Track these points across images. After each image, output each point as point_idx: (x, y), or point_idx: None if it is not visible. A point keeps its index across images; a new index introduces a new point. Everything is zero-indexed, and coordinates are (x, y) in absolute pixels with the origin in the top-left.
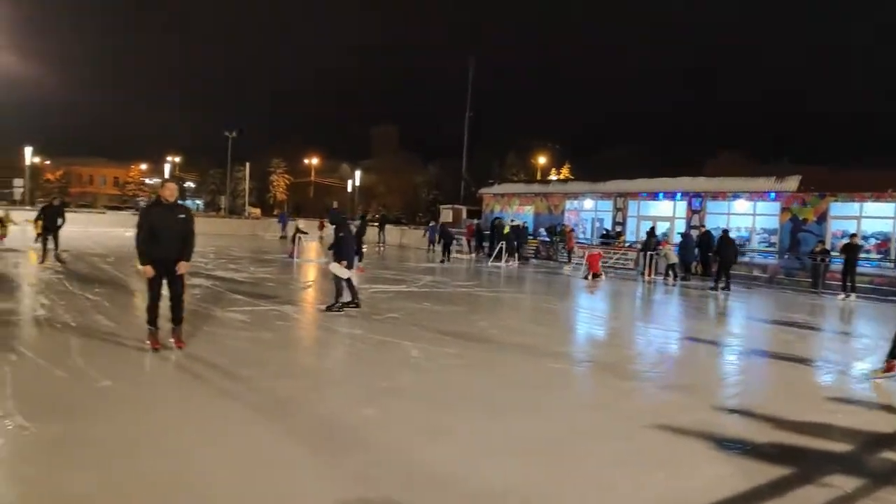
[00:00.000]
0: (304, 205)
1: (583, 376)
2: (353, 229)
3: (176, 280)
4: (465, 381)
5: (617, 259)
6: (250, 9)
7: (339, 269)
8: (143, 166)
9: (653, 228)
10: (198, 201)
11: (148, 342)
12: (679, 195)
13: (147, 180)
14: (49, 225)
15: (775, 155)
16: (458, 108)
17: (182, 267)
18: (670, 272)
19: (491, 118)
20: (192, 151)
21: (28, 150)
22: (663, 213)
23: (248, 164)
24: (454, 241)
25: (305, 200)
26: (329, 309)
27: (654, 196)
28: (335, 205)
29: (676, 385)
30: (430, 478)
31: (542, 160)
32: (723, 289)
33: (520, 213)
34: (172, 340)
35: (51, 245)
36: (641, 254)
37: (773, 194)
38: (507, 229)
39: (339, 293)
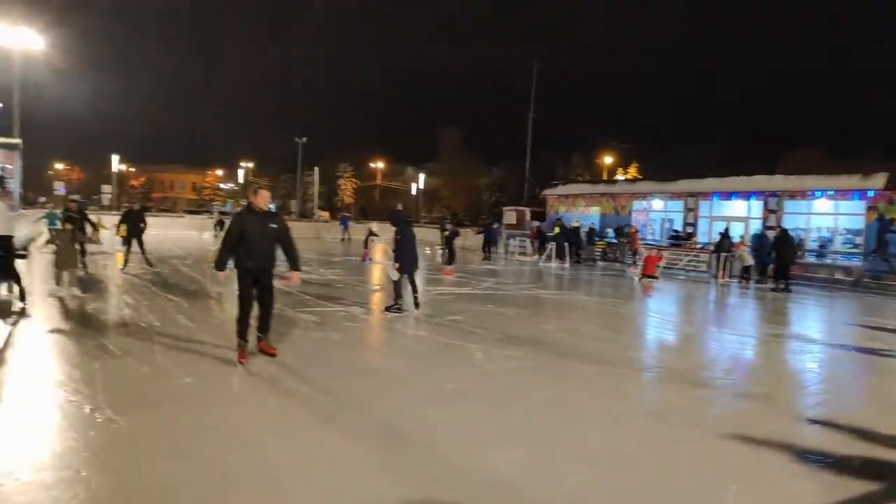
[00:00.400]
0: (369, 208)
1: (653, 383)
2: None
3: (267, 291)
4: (530, 386)
5: (688, 261)
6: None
7: (391, 271)
8: (219, 172)
9: (727, 229)
10: (271, 205)
11: (235, 354)
12: (754, 195)
13: (222, 185)
14: (131, 229)
15: (855, 152)
16: (523, 108)
17: (295, 277)
18: (745, 275)
19: (556, 118)
20: (263, 157)
21: (115, 159)
22: (737, 213)
23: (316, 169)
24: (507, 242)
25: (371, 203)
26: (388, 310)
27: (727, 196)
28: (399, 207)
29: (752, 393)
30: (493, 482)
31: (608, 160)
32: (782, 290)
33: (585, 215)
34: (260, 348)
35: (135, 248)
36: (714, 256)
37: (857, 193)
38: (556, 230)
39: (397, 295)
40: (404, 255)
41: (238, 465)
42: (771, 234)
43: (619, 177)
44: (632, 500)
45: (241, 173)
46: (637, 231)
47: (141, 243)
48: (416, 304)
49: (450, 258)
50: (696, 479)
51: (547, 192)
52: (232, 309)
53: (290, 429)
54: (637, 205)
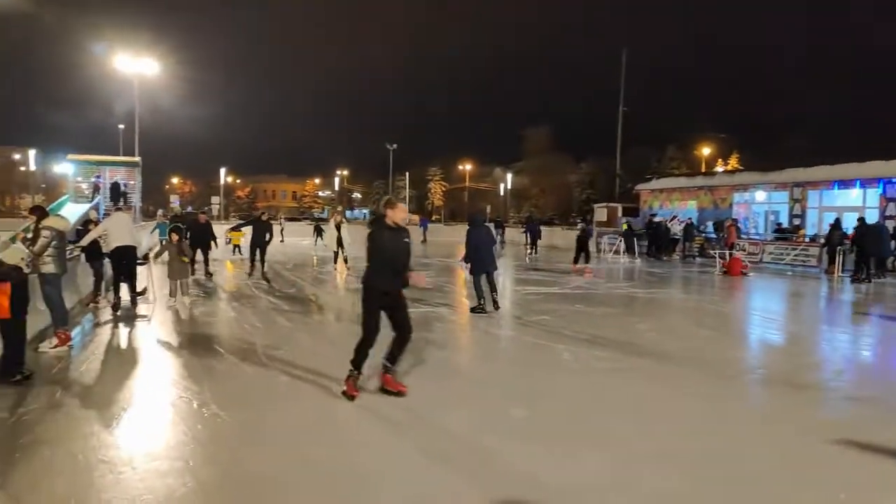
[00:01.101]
0: (458, 210)
1: (754, 385)
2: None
3: (405, 313)
4: (620, 387)
5: (795, 255)
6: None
7: (466, 272)
8: (317, 180)
9: (837, 220)
10: (364, 210)
11: (345, 387)
12: (868, 182)
13: (320, 193)
14: (257, 240)
15: None
16: (613, 101)
17: (421, 277)
18: (861, 269)
19: (649, 111)
20: (358, 164)
21: (223, 171)
22: (851, 202)
23: (407, 174)
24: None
25: (460, 206)
26: (473, 311)
27: (839, 185)
28: (486, 208)
29: (863, 397)
30: (582, 484)
31: (706, 151)
32: (863, 280)
33: (681, 209)
34: (384, 382)
35: (258, 256)
36: (824, 249)
37: None
38: (624, 226)
39: (478, 295)
40: (474, 256)
41: (334, 461)
42: (890, 225)
43: (719, 168)
44: None
45: (336, 181)
46: (734, 224)
47: (264, 254)
48: (495, 305)
49: (586, 258)
50: (799, 486)
51: (640, 187)
52: (329, 312)
53: (382, 427)
54: (738, 197)
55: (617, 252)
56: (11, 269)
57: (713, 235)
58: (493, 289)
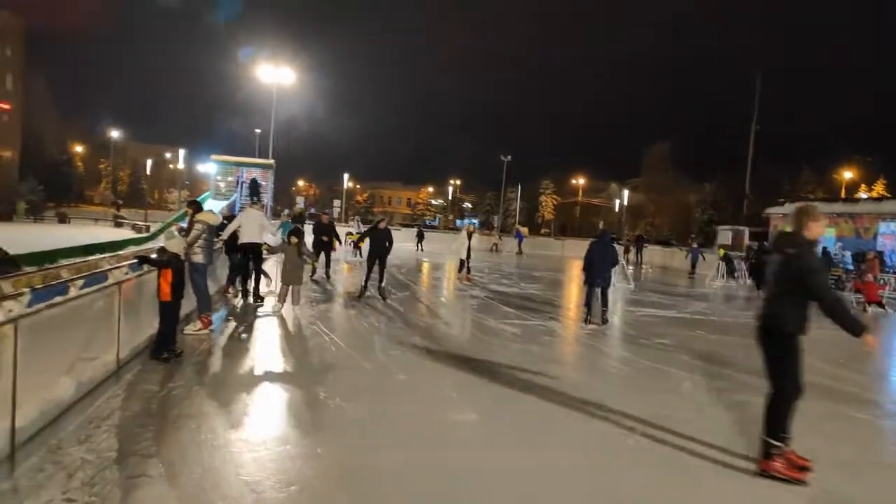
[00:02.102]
0: (569, 224)
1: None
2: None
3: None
4: (745, 420)
5: None
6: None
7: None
8: (430, 189)
9: None
10: (474, 220)
11: (777, 468)
12: None
13: (433, 201)
14: (376, 251)
15: None
16: (741, 119)
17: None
18: None
19: (783, 126)
20: (471, 174)
21: (345, 177)
22: None
23: (519, 186)
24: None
25: (571, 220)
26: (584, 322)
27: None
28: (601, 225)
29: None
30: None
31: (847, 175)
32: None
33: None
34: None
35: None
36: None
37: None
38: (721, 251)
39: (586, 304)
40: (588, 270)
41: (446, 461)
42: None
43: (862, 195)
44: None
45: (450, 190)
46: (878, 256)
47: (382, 267)
48: (604, 320)
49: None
50: None
51: (770, 210)
52: (441, 317)
53: (500, 435)
54: (884, 227)
55: (722, 277)
56: (173, 256)
57: (851, 267)
58: (604, 303)
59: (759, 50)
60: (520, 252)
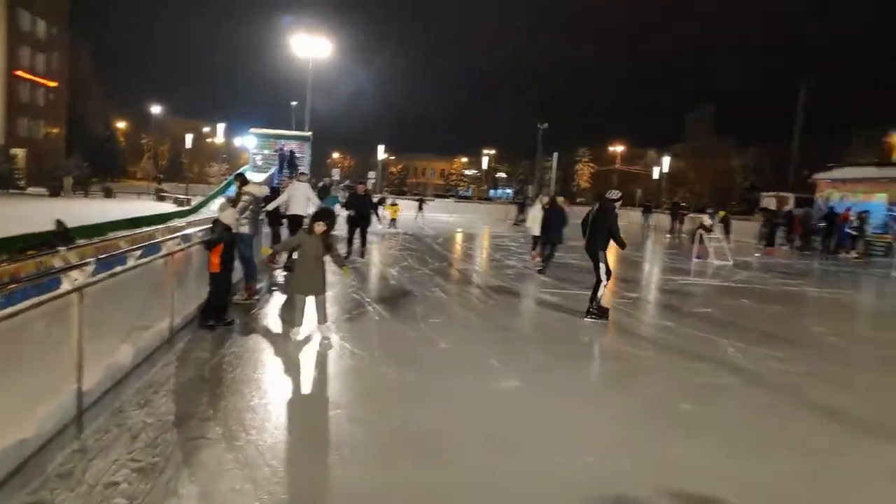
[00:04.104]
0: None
1: None
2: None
3: None
4: (796, 390)
5: None
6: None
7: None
8: (464, 159)
9: None
10: (508, 190)
11: None
12: None
13: (466, 171)
14: (355, 218)
15: None
16: (785, 80)
17: None
18: None
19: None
20: (505, 144)
21: (381, 148)
22: None
23: (555, 155)
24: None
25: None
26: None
27: None
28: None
29: None
30: (763, 490)
31: None
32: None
33: (868, 202)
34: None
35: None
36: None
37: None
38: (721, 214)
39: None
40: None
41: (494, 427)
42: None
43: None
44: None
45: (484, 160)
46: None
47: (364, 231)
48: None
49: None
50: None
51: (819, 175)
52: (475, 280)
53: (540, 402)
54: None
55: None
56: (224, 228)
57: None
58: (551, 256)
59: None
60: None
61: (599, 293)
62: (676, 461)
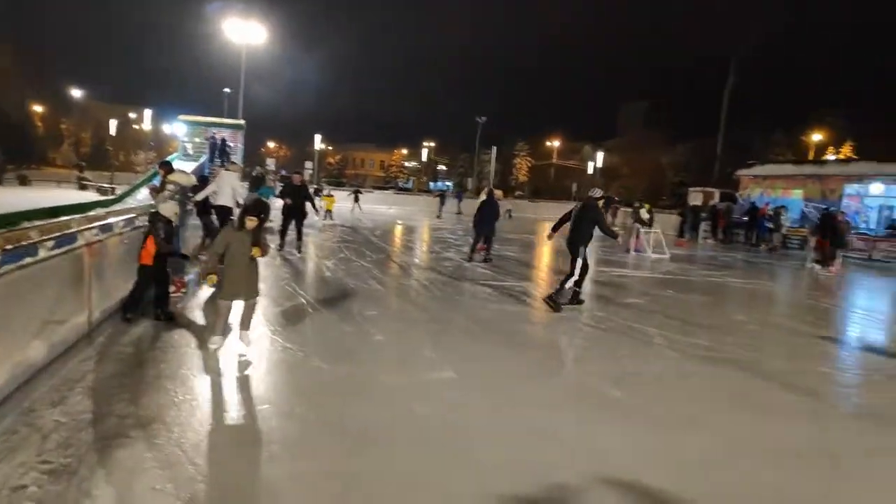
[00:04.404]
0: (543, 187)
1: (859, 384)
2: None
3: None
4: (717, 375)
5: None
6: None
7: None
8: (404, 151)
9: None
10: (447, 183)
11: None
12: None
13: (406, 163)
14: (291, 210)
15: None
16: (716, 78)
17: None
18: None
19: (757, 88)
20: (445, 136)
21: (318, 138)
22: None
23: (494, 149)
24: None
25: (545, 183)
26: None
27: None
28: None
29: None
30: (677, 465)
31: (816, 137)
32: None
33: (785, 198)
34: None
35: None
36: None
37: None
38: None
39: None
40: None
41: (427, 418)
42: None
43: (830, 156)
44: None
45: (424, 153)
46: (843, 217)
47: (299, 223)
48: (487, 258)
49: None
50: None
51: (741, 172)
52: (413, 273)
53: (474, 392)
54: (849, 188)
55: (707, 238)
56: (166, 220)
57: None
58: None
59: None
60: (459, 212)
61: (567, 284)
62: (602, 447)
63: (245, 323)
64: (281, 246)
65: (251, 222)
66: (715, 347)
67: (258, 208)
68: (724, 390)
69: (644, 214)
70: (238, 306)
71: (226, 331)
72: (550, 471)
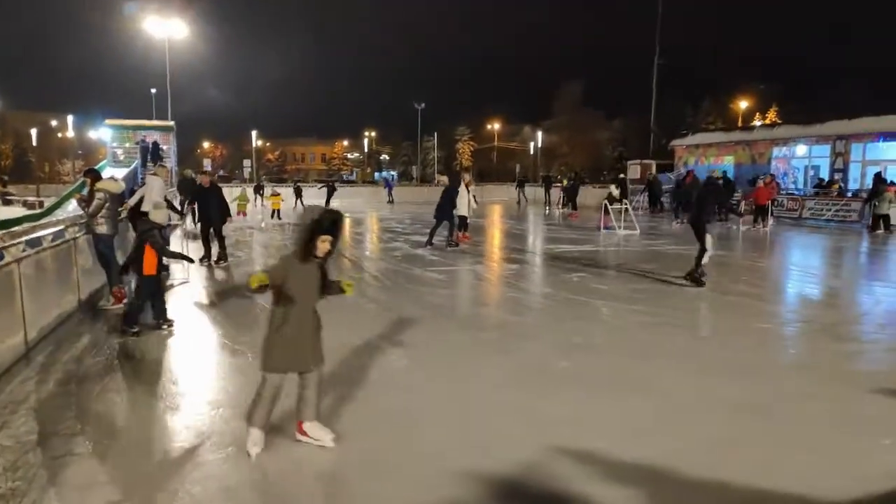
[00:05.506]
0: (487, 170)
1: (794, 337)
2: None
3: None
4: (660, 340)
5: (836, 211)
6: None
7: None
8: (346, 142)
9: (879, 174)
10: (392, 172)
11: None
12: None
13: (348, 155)
14: (205, 215)
15: None
16: (648, 54)
17: None
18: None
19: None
20: (385, 125)
21: (254, 134)
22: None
23: (435, 134)
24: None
25: (489, 166)
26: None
27: (884, 137)
28: (517, 169)
29: None
30: (626, 428)
31: (743, 105)
32: None
33: (718, 164)
34: None
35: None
36: (867, 204)
37: None
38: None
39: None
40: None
41: (385, 404)
42: None
43: (757, 122)
44: (773, 451)
45: (365, 142)
46: (773, 180)
47: (218, 229)
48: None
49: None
50: (841, 431)
51: (675, 142)
52: (363, 265)
53: (432, 374)
54: (777, 151)
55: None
56: (159, 227)
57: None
58: (451, 233)
59: None
60: (391, 201)
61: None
62: (553, 416)
63: (315, 409)
64: (205, 257)
65: (324, 244)
66: (659, 312)
67: (335, 222)
68: (662, 353)
69: (614, 191)
70: (291, 381)
71: (267, 424)
72: (508, 446)
